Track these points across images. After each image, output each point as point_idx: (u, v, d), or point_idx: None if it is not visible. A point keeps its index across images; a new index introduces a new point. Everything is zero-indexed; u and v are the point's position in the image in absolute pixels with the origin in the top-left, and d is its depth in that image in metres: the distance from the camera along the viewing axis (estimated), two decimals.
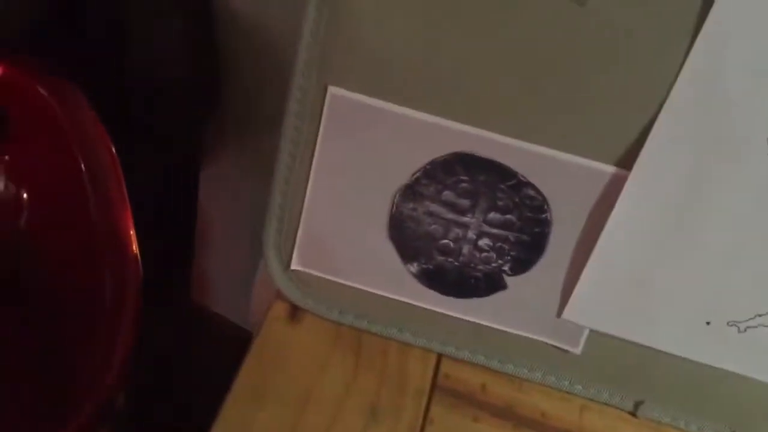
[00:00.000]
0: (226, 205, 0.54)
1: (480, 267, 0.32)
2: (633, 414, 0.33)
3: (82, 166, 0.38)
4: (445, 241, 0.31)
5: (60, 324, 0.40)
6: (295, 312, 0.34)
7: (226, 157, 0.51)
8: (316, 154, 0.31)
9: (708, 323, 0.30)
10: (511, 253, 0.31)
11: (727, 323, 0.30)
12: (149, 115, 0.44)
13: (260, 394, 0.30)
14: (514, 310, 0.32)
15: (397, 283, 0.33)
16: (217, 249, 0.58)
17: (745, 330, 0.30)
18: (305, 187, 0.31)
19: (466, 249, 0.31)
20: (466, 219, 0.31)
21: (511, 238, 0.31)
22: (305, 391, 0.31)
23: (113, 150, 0.38)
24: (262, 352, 0.32)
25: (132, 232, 0.39)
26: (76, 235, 0.39)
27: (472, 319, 0.33)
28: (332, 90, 0.29)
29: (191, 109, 0.46)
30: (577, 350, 0.32)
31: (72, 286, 0.39)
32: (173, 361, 0.60)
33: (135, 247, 0.39)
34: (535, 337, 0.32)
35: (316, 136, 0.30)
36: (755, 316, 0.30)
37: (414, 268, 0.32)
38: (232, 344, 0.35)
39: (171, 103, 0.44)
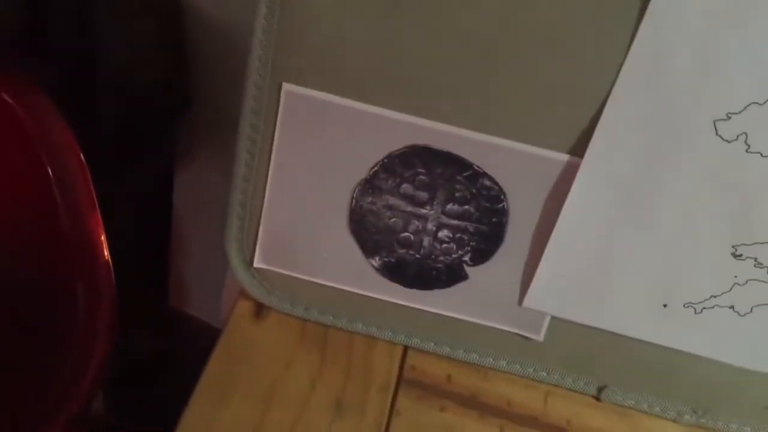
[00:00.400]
0: (201, 209, 0.54)
1: (441, 258, 0.32)
2: (597, 398, 0.33)
3: (50, 173, 0.38)
4: (406, 233, 0.32)
5: (34, 331, 0.40)
6: (260, 309, 0.34)
7: (199, 161, 0.51)
8: (274, 151, 0.31)
9: (665, 306, 0.31)
10: (471, 244, 0.31)
11: (684, 305, 0.30)
12: (120, 118, 0.44)
13: (226, 393, 0.30)
14: (476, 300, 0.32)
15: (360, 278, 0.33)
16: (193, 253, 0.58)
17: (702, 311, 0.30)
18: (265, 185, 0.32)
19: (426, 241, 0.32)
20: (425, 211, 0.31)
21: (470, 229, 0.31)
22: (270, 388, 0.31)
23: (81, 157, 0.38)
24: (227, 350, 0.32)
25: (103, 238, 0.39)
26: (46, 243, 0.39)
27: (435, 311, 0.33)
28: (286, 87, 0.29)
29: (162, 111, 0.46)
30: (540, 337, 0.32)
31: (45, 292, 0.39)
32: (154, 365, 0.60)
33: (106, 253, 0.39)
34: (498, 326, 0.33)
35: (274, 133, 0.30)
36: (710, 297, 0.30)
37: (376, 261, 0.32)
38: (212, 347, 0.35)
39: (142, 105, 0.44)
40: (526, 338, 0.33)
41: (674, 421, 0.33)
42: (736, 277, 0.29)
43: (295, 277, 0.33)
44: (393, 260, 0.32)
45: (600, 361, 0.33)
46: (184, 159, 0.51)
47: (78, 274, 0.38)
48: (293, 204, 0.32)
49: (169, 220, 0.55)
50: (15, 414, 0.38)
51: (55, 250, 0.39)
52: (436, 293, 0.32)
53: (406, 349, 0.34)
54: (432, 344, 0.34)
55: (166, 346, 0.61)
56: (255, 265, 0.33)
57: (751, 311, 0.30)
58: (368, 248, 0.32)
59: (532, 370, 0.33)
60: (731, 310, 0.30)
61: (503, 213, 0.30)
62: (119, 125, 0.44)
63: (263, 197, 0.32)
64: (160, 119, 0.46)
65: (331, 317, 0.34)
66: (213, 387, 0.30)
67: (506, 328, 0.33)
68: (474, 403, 0.32)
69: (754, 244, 0.28)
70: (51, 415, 0.36)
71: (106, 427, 0.61)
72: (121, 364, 0.56)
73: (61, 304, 0.38)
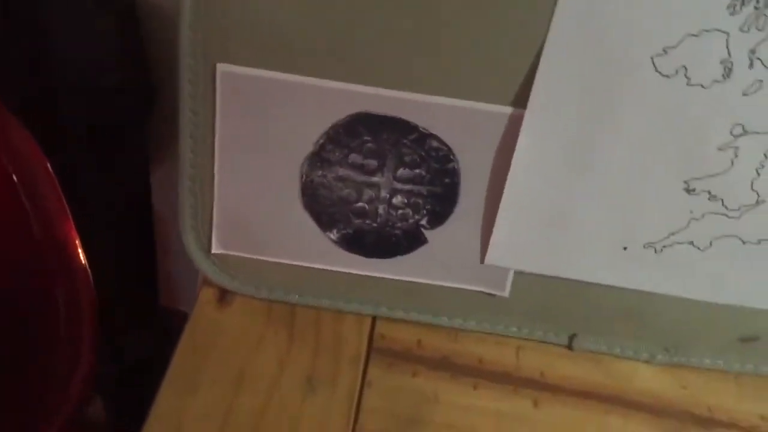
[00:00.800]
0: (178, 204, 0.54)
1: (398, 225, 0.31)
2: (569, 348, 0.33)
3: (17, 182, 0.37)
4: (360, 203, 0.31)
5: (14, 343, 0.39)
6: (224, 295, 0.34)
7: (171, 157, 0.51)
8: (217, 134, 0.30)
9: (625, 248, 0.30)
10: (426, 207, 0.31)
11: (644, 246, 0.30)
12: (85, 123, 0.44)
13: (194, 381, 0.30)
14: (437, 262, 0.32)
15: (320, 253, 0.32)
16: (176, 249, 0.57)
17: (662, 250, 0.30)
18: (212, 170, 0.31)
19: (381, 209, 0.31)
20: (376, 179, 0.31)
21: (424, 192, 0.31)
22: (240, 373, 0.31)
23: (48, 165, 0.38)
24: (193, 339, 0.32)
25: (77, 242, 0.38)
26: (20, 252, 0.39)
27: (399, 278, 0.33)
28: (221, 67, 0.29)
29: (127, 112, 0.45)
30: (505, 293, 0.32)
31: (24, 299, 0.39)
32: (153, 365, 0.60)
33: (83, 258, 0.38)
34: (462, 286, 0.32)
35: (214, 116, 0.30)
36: (669, 235, 0.30)
37: (334, 235, 0.32)
38: None
39: (105, 108, 0.43)
40: (492, 295, 0.32)
41: (647, 362, 0.33)
42: (691, 212, 0.29)
43: (257, 260, 0.33)
44: (350, 231, 0.32)
45: (567, 310, 0.33)
46: (156, 158, 0.51)
47: (55, 280, 0.38)
48: (244, 185, 0.31)
49: (150, 221, 0.55)
50: (14, 414, 0.38)
51: (29, 258, 0.38)
52: (398, 260, 0.32)
53: (374, 319, 0.34)
54: (400, 311, 0.33)
55: (165, 344, 0.61)
56: (213, 251, 0.33)
57: (711, 245, 0.30)
58: (324, 222, 0.32)
59: (501, 326, 0.33)
60: (691, 245, 0.30)
61: (455, 173, 0.30)
62: (84, 131, 0.44)
63: (212, 182, 0.31)
64: (126, 120, 0.46)
65: (296, 296, 0.34)
66: (180, 377, 0.30)
67: (471, 287, 0.32)
68: (445, 365, 0.32)
69: (705, 177, 0.28)
70: (49, 416, 0.36)
71: (105, 428, 0.61)
72: (121, 365, 0.56)
73: (42, 309, 0.38)
